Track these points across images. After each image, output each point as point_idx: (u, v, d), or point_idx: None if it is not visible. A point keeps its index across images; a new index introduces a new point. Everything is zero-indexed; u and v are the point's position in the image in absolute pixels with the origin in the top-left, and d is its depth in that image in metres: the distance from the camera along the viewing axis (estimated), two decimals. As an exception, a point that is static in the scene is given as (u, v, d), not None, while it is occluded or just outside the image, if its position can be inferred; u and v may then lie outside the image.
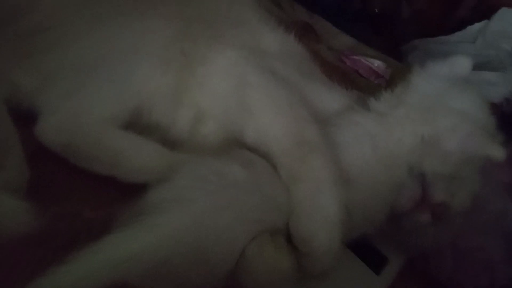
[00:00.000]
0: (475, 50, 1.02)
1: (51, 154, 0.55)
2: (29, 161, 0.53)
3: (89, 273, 0.39)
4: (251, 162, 0.52)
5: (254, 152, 0.54)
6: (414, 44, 1.14)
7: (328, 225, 0.49)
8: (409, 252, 0.62)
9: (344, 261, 0.58)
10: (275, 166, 0.53)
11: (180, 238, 0.44)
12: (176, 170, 0.50)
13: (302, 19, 0.99)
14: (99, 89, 0.56)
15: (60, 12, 0.57)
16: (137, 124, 0.60)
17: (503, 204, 0.62)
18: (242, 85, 0.57)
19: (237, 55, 0.61)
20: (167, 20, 0.59)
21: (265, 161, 0.53)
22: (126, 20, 0.57)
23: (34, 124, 0.55)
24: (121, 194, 0.52)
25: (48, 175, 0.55)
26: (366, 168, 0.55)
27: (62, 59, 0.56)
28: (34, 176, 0.53)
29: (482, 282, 0.59)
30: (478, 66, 0.95)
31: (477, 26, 1.08)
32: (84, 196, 0.56)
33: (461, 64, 0.62)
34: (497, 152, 0.54)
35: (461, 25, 1.12)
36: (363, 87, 0.82)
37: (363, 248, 0.61)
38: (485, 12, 1.12)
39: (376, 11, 1.28)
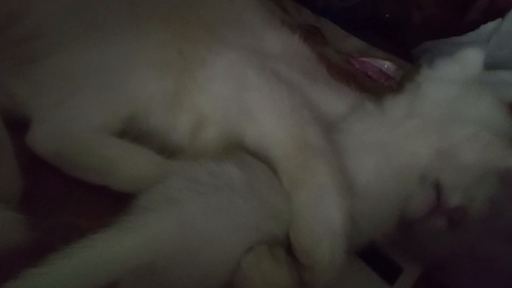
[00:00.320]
0: (489, 50, 0.98)
1: (45, 164, 0.54)
2: (23, 171, 0.52)
3: (64, 277, 0.38)
4: (249, 165, 0.49)
5: (256, 157, 0.52)
6: (426, 46, 1.11)
7: (331, 235, 0.46)
8: (424, 261, 0.58)
9: (355, 271, 0.56)
10: (276, 172, 0.50)
11: (166, 241, 0.42)
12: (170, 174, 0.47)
13: (308, 22, 0.97)
14: (90, 96, 0.55)
15: (53, 19, 0.56)
16: (135, 131, 0.58)
17: (524, 210, 0.58)
18: (242, 87, 0.55)
19: (238, 56, 0.59)
20: (164, 22, 0.57)
21: (266, 167, 0.50)
22: (120, 25, 0.56)
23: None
24: (117, 204, 0.48)
25: (43, 185, 0.54)
26: (375, 176, 0.52)
27: (53, 66, 0.54)
28: (28, 186, 0.52)
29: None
30: (493, 66, 0.91)
31: (490, 25, 1.04)
32: (80, 207, 0.54)
33: (472, 58, 0.58)
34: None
35: (472, 28, 1.09)
36: (372, 90, 0.79)
37: (376, 257, 0.58)
38: (496, 15, 1.09)
39: (387, 15, 1.25)
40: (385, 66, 0.91)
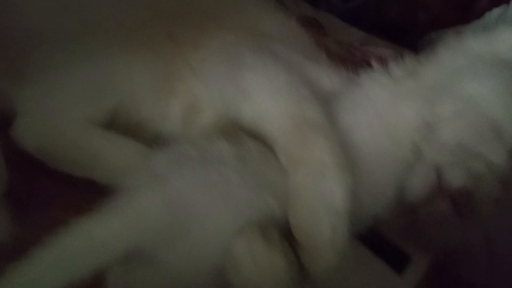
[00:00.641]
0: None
1: (32, 158, 0.53)
2: (8, 165, 0.51)
3: (48, 268, 0.37)
4: (242, 140, 0.46)
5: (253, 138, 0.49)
6: (431, 37, 1.08)
7: (331, 214, 0.42)
8: (434, 251, 0.54)
9: (361, 260, 0.53)
10: (274, 151, 0.47)
11: (152, 220, 0.40)
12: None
13: (307, 14, 0.95)
14: (74, 88, 0.54)
15: (36, 12, 0.54)
16: (126, 123, 0.56)
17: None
18: (238, 67, 0.53)
19: (233, 36, 0.56)
20: (149, 8, 0.55)
21: (261, 144, 0.48)
22: (101, 12, 0.54)
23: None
24: (106, 198, 0.47)
25: (29, 179, 0.53)
26: (368, 136, 0.50)
27: (36, 58, 0.53)
28: (14, 180, 0.50)
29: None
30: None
31: (495, 12, 1.01)
32: (67, 201, 0.53)
33: (506, 40, 0.55)
34: (497, 158, 0.48)
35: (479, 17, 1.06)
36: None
37: (384, 246, 0.55)
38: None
39: (392, 17, 1.23)
40: (387, 54, 0.88)
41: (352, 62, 0.82)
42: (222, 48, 0.56)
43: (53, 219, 0.51)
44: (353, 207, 0.46)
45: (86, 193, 0.51)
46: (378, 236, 0.55)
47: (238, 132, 0.49)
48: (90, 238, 0.39)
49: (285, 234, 0.43)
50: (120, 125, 0.56)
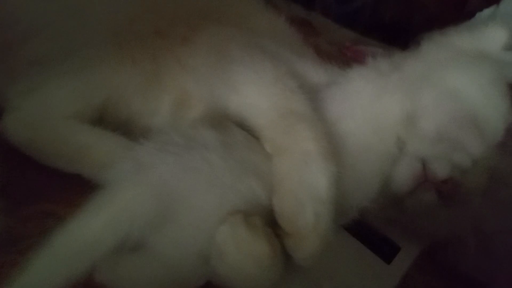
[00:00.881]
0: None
1: (24, 152, 0.53)
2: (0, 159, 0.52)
3: (45, 271, 0.38)
4: (227, 128, 0.47)
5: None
6: (424, 37, 1.09)
7: (315, 201, 0.43)
8: (423, 240, 0.55)
9: (350, 251, 0.54)
10: (260, 141, 0.48)
11: (139, 209, 0.40)
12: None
13: (299, 15, 0.96)
14: (62, 84, 0.54)
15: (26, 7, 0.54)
16: (116, 120, 0.57)
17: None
18: (226, 60, 0.53)
19: (220, 32, 0.57)
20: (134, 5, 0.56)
21: (247, 133, 0.48)
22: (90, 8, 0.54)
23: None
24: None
25: (20, 174, 0.53)
26: (353, 127, 0.50)
27: (26, 53, 0.53)
28: (5, 174, 0.52)
29: (512, 269, 0.51)
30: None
31: (486, 12, 1.02)
32: (58, 194, 0.53)
33: (492, 36, 0.55)
34: (474, 148, 0.48)
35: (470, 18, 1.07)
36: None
37: (372, 236, 0.56)
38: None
39: (388, 19, 1.24)
40: (377, 52, 0.89)
41: (342, 60, 0.82)
42: (210, 43, 0.56)
43: (44, 212, 0.51)
44: (339, 196, 0.47)
45: (77, 187, 0.51)
46: (367, 227, 0.55)
47: (224, 121, 0.49)
48: (81, 237, 0.39)
49: (271, 223, 0.44)
50: (110, 120, 0.56)
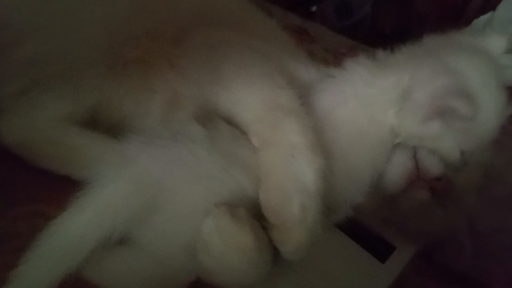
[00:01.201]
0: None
1: (12, 154, 0.54)
2: None
3: (37, 272, 0.38)
4: (214, 122, 0.47)
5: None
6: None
7: (301, 193, 0.42)
8: (418, 240, 0.53)
9: (345, 250, 0.53)
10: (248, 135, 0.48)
11: (124, 202, 0.40)
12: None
13: (295, 24, 0.97)
14: (53, 86, 0.54)
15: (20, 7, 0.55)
16: (109, 119, 0.57)
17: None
18: (215, 58, 0.54)
19: (211, 32, 0.57)
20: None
21: (233, 127, 0.48)
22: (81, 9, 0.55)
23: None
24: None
25: (10, 174, 0.53)
26: (346, 116, 0.50)
27: (18, 55, 0.53)
28: None
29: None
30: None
31: (482, 19, 1.03)
32: (48, 195, 0.52)
33: (494, 41, 0.55)
34: (465, 109, 0.46)
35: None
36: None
37: (366, 236, 0.55)
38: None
39: (387, 32, 1.25)
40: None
41: (338, 66, 0.83)
42: (201, 43, 0.57)
43: (35, 212, 0.51)
44: (331, 190, 0.47)
45: (67, 187, 0.50)
46: (361, 227, 0.55)
47: (211, 116, 0.49)
48: (66, 234, 0.39)
49: (257, 216, 0.43)
50: (103, 122, 0.56)
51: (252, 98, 0.49)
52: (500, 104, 0.51)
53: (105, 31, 0.54)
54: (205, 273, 0.42)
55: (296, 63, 0.58)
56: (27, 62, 0.53)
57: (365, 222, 0.55)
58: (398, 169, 0.51)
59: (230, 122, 0.50)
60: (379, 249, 0.53)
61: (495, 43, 0.55)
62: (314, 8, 1.24)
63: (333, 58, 0.87)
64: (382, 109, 0.50)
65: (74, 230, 0.39)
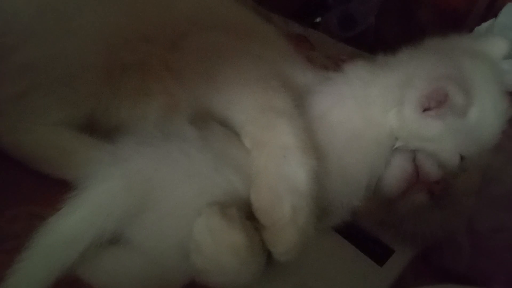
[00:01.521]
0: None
1: (9, 155, 0.54)
2: None
3: (32, 271, 0.39)
4: (207, 123, 0.47)
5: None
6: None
7: (293, 193, 0.43)
8: (416, 243, 0.53)
9: (343, 254, 0.53)
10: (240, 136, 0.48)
11: (115, 200, 0.40)
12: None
13: (296, 32, 0.97)
14: (51, 91, 0.54)
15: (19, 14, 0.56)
16: (107, 124, 0.57)
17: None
18: (211, 62, 0.54)
19: (208, 37, 0.58)
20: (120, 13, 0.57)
21: (227, 129, 0.49)
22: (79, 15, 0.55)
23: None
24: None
25: (7, 175, 0.54)
26: (342, 117, 0.50)
27: (15, 59, 0.53)
28: None
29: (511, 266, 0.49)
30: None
31: (484, 26, 1.03)
32: (45, 196, 0.52)
33: (495, 45, 0.55)
34: (459, 97, 0.46)
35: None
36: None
37: (365, 240, 0.54)
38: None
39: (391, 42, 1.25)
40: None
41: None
42: (197, 47, 0.57)
43: (31, 214, 0.51)
44: (326, 193, 0.47)
45: (63, 189, 0.51)
46: (360, 230, 0.54)
47: (205, 118, 0.50)
48: (60, 234, 0.40)
49: (250, 217, 0.43)
50: (101, 126, 0.57)
51: (246, 100, 0.50)
52: (501, 109, 0.51)
53: (102, 36, 0.55)
54: (198, 273, 0.42)
55: (292, 66, 0.58)
56: (25, 67, 0.53)
57: (363, 225, 0.54)
58: (397, 172, 0.51)
59: (225, 124, 0.50)
60: (378, 252, 0.53)
61: (496, 47, 0.55)
62: (318, 19, 1.25)
63: (333, 65, 0.87)
64: (382, 110, 0.50)
65: (67, 229, 0.40)
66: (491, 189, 0.52)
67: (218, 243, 0.40)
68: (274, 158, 0.44)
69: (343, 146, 0.49)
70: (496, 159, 0.52)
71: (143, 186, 0.41)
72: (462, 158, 0.50)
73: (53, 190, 0.51)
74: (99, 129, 0.57)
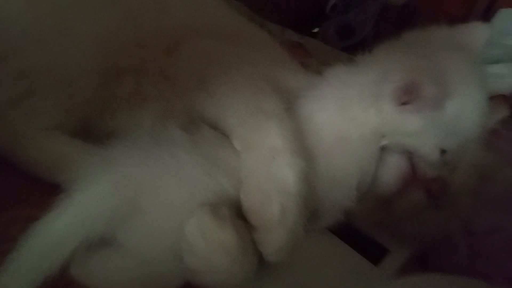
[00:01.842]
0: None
1: (6, 158, 0.55)
2: None
3: (19, 271, 0.39)
4: (197, 126, 0.48)
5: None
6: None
7: (282, 194, 0.43)
8: (413, 243, 0.52)
9: (338, 254, 0.53)
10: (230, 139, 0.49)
11: (106, 203, 0.40)
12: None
13: (292, 39, 0.98)
14: (46, 96, 0.55)
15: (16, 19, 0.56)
16: (103, 129, 0.57)
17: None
18: (204, 67, 0.55)
19: (202, 43, 0.59)
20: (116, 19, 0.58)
21: (217, 132, 0.49)
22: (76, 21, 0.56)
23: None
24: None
25: (3, 179, 0.54)
26: (326, 119, 0.50)
27: (12, 64, 0.54)
28: None
29: (509, 267, 0.48)
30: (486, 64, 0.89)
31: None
32: (41, 200, 0.51)
33: (476, 32, 0.54)
34: (431, 89, 0.45)
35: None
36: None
37: (360, 239, 0.54)
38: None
39: None
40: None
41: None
42: (190, 53, 0.58)
43: (27, 217, 0.51)
44: (318, 194, 0.47)
45: (59, 193, 0.52)
46: (355, 230, 0.54)
47: (196, 121, 0.51)
48: (49, 236, 0.40)
49: (241, 219, 0.43)
50: (96, 132, 0.57)
51: (236, 103, 0.50)
52: (481, 103, 0.49)
53: (98, 42, 0.55)
54: (192, 274, 0.42)
55: (284, 71, 0.58)
56: (21, 73, 0.54)
57: (358, 225, 0.54)
58: (393, 170, 0.51)
59: (216, 127, 0.50)
60: (373, 252, 0.53)
61: (477, 33, 0.54)
62: (316, 30, 1.26)
63: (328, 71, 0.87)
64: (362, 108, 0.49)
65: (56, 230, 0.40)
66: (488, 189, 0.52)
67: (210, 243, 0.40)
68: (263, 159, 0.44)
69: (330, 148, 0.49)
70: (493, 160, 0.52)
71: (133, 189, 0.41)
72: (442, 152, 0.49)
73: (50, 193, 0.52)
74: (95, 134, 0.57)
